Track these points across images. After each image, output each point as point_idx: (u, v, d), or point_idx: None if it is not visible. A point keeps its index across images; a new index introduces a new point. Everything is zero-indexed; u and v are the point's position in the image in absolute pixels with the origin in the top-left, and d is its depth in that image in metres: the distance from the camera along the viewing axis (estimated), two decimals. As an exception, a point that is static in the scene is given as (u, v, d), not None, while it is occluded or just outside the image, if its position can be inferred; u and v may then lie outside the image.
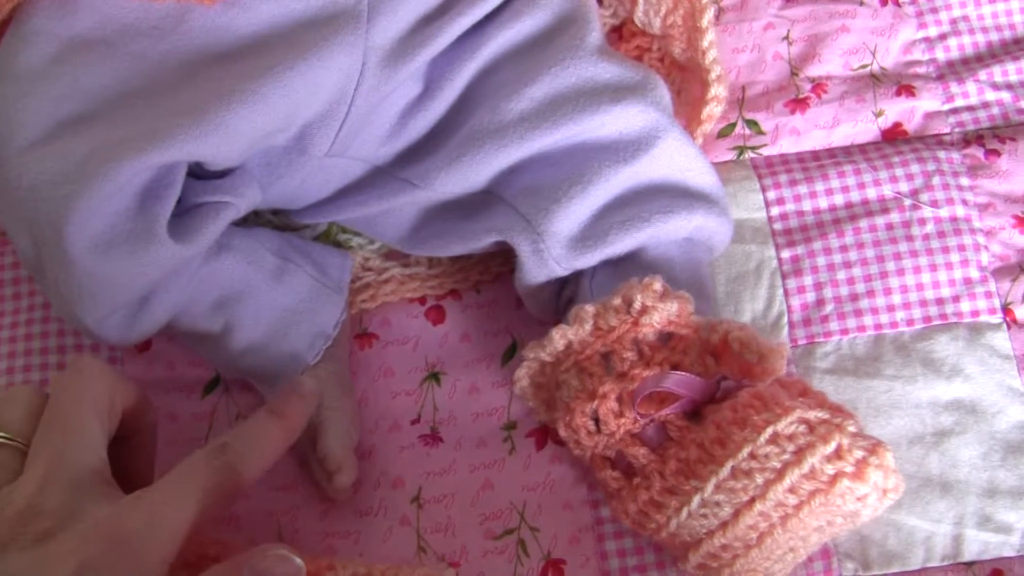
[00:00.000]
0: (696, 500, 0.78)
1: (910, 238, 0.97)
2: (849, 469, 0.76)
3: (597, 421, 0.84)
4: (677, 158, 0.90)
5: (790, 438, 0.77)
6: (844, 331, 0.94)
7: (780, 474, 0.76)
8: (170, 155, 0.80)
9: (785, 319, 0.95)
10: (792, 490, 0.76)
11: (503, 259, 0.97)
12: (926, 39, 1.07)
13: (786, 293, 0.96)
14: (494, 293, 0.98)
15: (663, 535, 0.82)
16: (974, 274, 0.96)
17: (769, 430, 0.77)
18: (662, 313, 0.84)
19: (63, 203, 0.78)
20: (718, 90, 0.98)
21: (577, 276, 0.90)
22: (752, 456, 0.77)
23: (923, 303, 0.95)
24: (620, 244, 0.88)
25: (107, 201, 0.79)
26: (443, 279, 0.98)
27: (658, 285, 0.84)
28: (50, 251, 0.81)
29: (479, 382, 0.94)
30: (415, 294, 0.98)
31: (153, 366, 0.96)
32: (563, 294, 0.91)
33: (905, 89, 1.04)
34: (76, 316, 0.84)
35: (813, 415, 0.77)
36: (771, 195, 0.99)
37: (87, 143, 0.80)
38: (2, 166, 0.81)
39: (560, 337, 0.85)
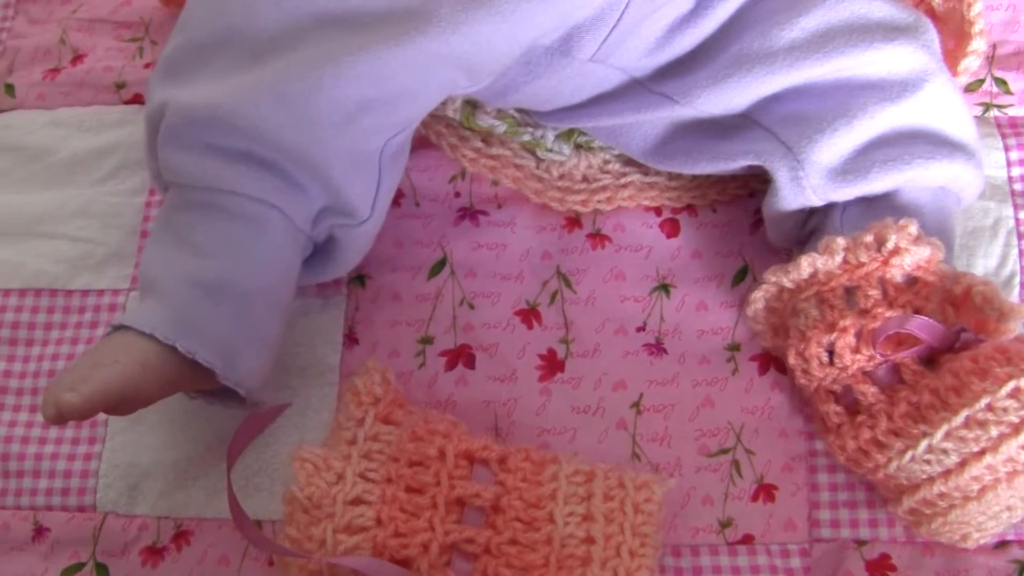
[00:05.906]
0: (923, 445, 0.79)
1: None
2: (1088, 435, 0.76)
3: (831, 353, 0.84)
4: (941, 104, 0.89)
5: (1032, 395, 0.76)
6: (1078, 299, 0.93)
7: (1016, 429, 0.76)
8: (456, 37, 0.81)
9: (1017, 279, 0.94)
10: (1025, 447, 0.76)
11: (742, 182, 0.97)
12: None
13: (1021, 254, 0.95)
14: (729, 214, 0.98)
15: (879, 475, 0.82)
16: None
17: (1011, 384, 0.77)
18: (914, 256, 0.84)
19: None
20: (979, 44, 0.96)
21: (827, 208, 0.89)
22: (989, 408, 0.77)
23: None
24: (880, 182, 0.87)
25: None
26: (681, 192, 0.98)
27: (913, 228, 0.84)
28: None
29: (708, 300, 0.94)
30: (652, 203, 0.98)
31: (381, 242, 0.95)
32: (808, 224, 0.91)
33: None
34: None
35: (1057, 376, 0.77)
36: (1014, 155, 0.98)
37: None
38: None
39: (808, 264, 0.85)
